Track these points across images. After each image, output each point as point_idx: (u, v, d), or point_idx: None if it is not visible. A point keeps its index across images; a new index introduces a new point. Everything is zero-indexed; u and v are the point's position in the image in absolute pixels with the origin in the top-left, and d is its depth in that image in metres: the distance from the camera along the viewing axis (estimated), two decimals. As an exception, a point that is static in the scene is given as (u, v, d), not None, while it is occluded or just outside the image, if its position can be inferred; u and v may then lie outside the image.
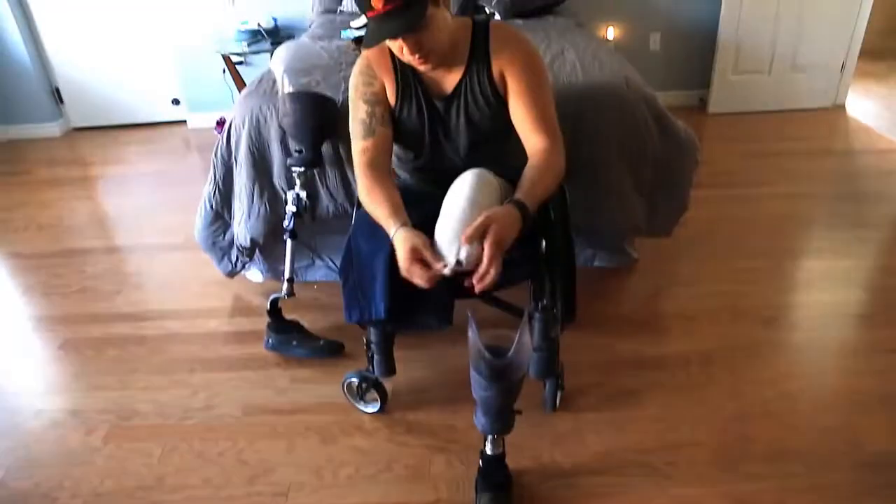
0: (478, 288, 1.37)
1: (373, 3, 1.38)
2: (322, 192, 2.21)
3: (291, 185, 2.13)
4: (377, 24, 1.41)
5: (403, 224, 1.48)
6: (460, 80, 1.59)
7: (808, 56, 4.06)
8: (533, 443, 1.76)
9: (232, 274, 2.45)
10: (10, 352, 2.30)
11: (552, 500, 1.61)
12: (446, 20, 1.50)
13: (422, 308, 1.62)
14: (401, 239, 1.44)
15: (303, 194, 2.09)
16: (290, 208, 2.09)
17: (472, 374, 1.44)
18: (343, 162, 2.15)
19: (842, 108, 4.24)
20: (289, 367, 2.12)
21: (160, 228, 3.09)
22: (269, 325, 2.16)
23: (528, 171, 1.51)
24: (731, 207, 2.99)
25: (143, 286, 2.64)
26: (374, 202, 1.56)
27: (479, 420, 1.50)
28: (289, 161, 2.11)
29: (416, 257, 1.41)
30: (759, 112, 4.18)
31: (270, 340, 2.15)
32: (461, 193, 1.48)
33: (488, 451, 1.54)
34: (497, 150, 1.67)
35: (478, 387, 1.45)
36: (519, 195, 1.44)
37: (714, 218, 2.87)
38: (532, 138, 1.56)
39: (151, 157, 4.04)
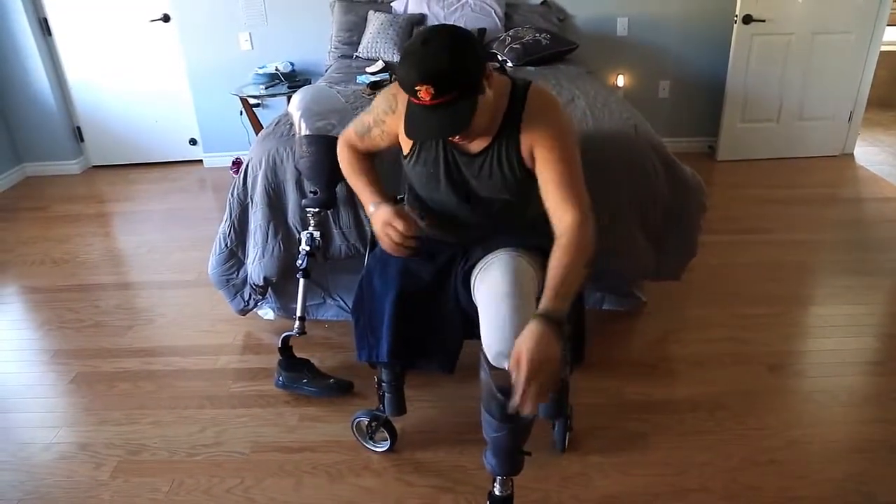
0: (520, 410, 1.26)
1: (420, 94, 1.30)
2: (335, 232, 2.25)
3: (305, 225, 2.18)
4: (422, 112, 1.34)
5: (381, 202, 1.61)
6: (487, 147, 1.52)
7: (815, 106, 4.13)
8: (540, 484, 1.75)
9: (244, 311, 2.48)
10: (23, 384, 2.33)
11: (559, 544, 1.61)
12: (489, 99, 1.40)
13: (427, 352, 1.66)
14: (379, 216, 1.59)
15: (316, 234, 2.14)
16: (304, 248, 2.13)
17: (484, 414, 1.46)
18: (356, 204, 2.20)
19: (850, 156, 4.28)
20: (298, 404, 2.13)
21: (173, 265, 3.14)
22: (279, 363, 2.17)
23: (555, 263, 1.36)
24: (739, 253, 3.01)
25: (155, 322, 2.67)
26: (356, 171, 1.71)
27: (489, 461, 1.50)
28: (303, 202, 2.16)
29: (391, 227, 1.55)
30: (768, 159, 4.24)
31: (281, 378, 2.17)
32: (499, 300, 1.43)
33: (497, 492, 1.54)
34: (512, 210, 1.64)
35: (489, 427, 1.46)
36: (545, 303, 1.30)
37: (722, 263, 2.89)
38: (558, 213, 1.44)
39: (167, 196, 4.12)
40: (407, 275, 1.62)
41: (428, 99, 1.29)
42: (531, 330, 1.26)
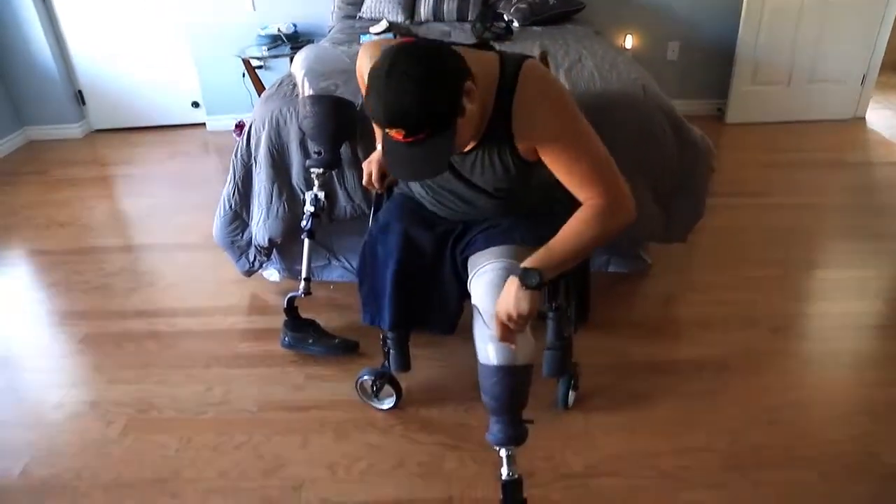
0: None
1: (392, 134, 1.21)
2: (340, 193, 2.24)
3: (310, 186, 2.17)
4: (398, 148, 1.23)
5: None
6: (477, 145, 1.42)
7: (828, 68, 4.05)
8: (545, 443, 1.76)
9: (249, 273, 2.49)
10: (33, 345, 2.35)
11: (563, 500, 1.62)
12: (473, 113, 1.27)
13: (428, 317, 1.67)
14: (373, 154, 1.80)
15: (321, 195, 2.12)
16: (308, 209, 2.12)
17: (480, 365, 1.46)
18: (361, 164, 2.18)
19: (861, 120, 4.22)
20: (304, 364, 2.14)
21: (178, 228, 3.14)
22: (285, 323, 2.18)
23: (561, 232, 1.35)
24: (747, 216, 2.99)
25: (161, 284, 2.68)
26: None
27: (492, 431, 1.48)
28: (308, 162, 2.15)
29: (368, 167, 1.77)
30: (778, 123, 4.18)
31: (286, 338, 2.18)
32: (486, 332, 1.42)
33: (504, 474, 1.46)
34: (514, 192, 1.54)
35: (485, 379, 1.46)
36: (530, 262, 1.31)
37: (729, 226, 2.87)
38: (580, 195, 1.38)
39: (170, 159, 4.10)
40: (407, 245, 1.61)
41: (401, 138, 1.21)
42: (508, 288, 1.32)
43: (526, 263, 1.31)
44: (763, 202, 3.13)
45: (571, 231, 1.34)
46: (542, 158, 1.38)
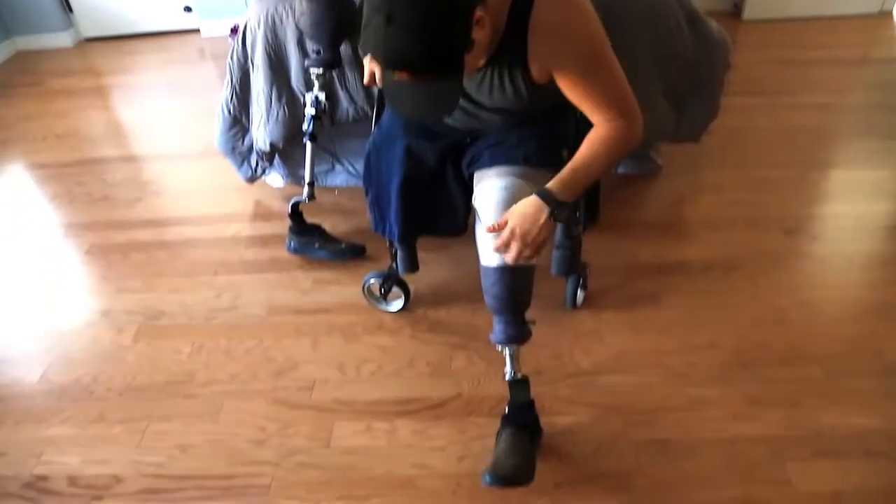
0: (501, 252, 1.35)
1: (395, 75, 1.12)
2: (341, 94, 2.16)
3: (310, 88, 2.09)
4: (401, 85, 1.14)
5: None
6: (485, 65, 1.32)
7: (854, -44, 3.81)
8: (553, 341, 1.78)
9: (252, 179, 2.45)
10: (41, 257, 2.35)
11: (571, 397, 1.65)
12: (484, 39, 1.17)
13: (437, 216, 1.65)
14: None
15: (321, 96, 2.05)
16: (309, 111, 2.05)
17: (482, 268, 1.45)
18: (363, 62, 2.09)
19: (888, 14, 4.00)
20: (311, 269, 2.14)
21: (178, 137, 3.08)
22: (290, 229, 2.17)
23: (578, 153, 1.33)
24: (761, 116, 2.89)
25: (164, 193, 2.65)
26: None
27: (494, 331, 1.48)
28: (306, 62, 2.06)
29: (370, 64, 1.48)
30: (798, 19, 3.97)
31: (292, 244, 2.17)
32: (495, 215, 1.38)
33: (507, 373, 1.47)
34: (523, 111, 1.48)
35: (487, 280, 1.44)
36: (552, 185, 1.30)
37: (743, 127, 2.78)
38: (593, 118, 1.35)
39: (165, 67, 3.97)
40: (411, 159, 1.57)
41: (406, 78, 1.11)
42: (526, 205, 1.29)
43: (554, 189, 1.29)
44: (780, 101, 3.02)
45: (594, 154, 1.32)
46: (557, 82, 1.30)
